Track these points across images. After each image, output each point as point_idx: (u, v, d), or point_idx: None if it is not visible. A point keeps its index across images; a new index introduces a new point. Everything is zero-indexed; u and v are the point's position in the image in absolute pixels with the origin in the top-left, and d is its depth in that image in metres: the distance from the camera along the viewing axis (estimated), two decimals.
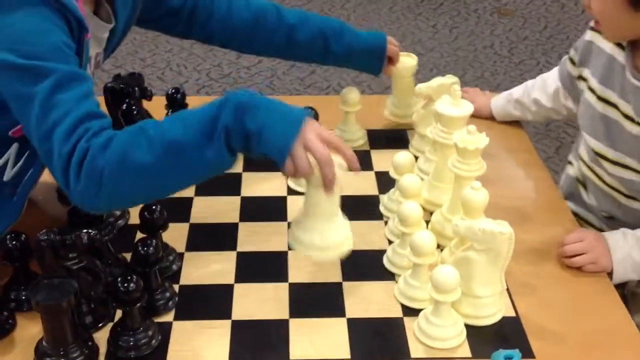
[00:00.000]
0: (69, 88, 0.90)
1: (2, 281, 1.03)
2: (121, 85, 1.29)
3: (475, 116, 1.37)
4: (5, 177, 1.05)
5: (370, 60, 1.38)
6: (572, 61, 1.32)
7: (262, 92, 2.96)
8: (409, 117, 1.41)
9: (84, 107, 0.90)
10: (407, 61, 1.44)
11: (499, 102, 1.48)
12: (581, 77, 1.28)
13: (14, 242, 1.00)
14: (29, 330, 0.98)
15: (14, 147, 1.04)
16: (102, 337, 0.97)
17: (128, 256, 1.04)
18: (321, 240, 0.95)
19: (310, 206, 0.95)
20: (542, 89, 1.41)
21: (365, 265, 1.11)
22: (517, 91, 1.46)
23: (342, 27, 1.34)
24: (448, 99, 1.20)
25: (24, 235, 1.01)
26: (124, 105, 1.23)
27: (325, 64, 1.42)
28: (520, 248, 1.02)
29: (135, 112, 1.23)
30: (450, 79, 1.32)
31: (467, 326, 0.99)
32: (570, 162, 1.40)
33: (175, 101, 1.36)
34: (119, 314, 0.98)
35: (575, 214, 1.33)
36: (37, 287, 0.90)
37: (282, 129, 0.88)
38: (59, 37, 0.92)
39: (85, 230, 0.97)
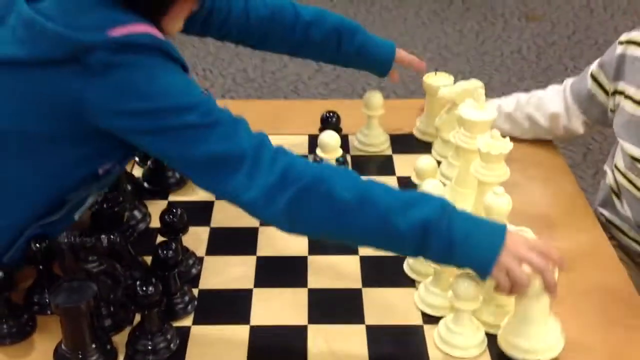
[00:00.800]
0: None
1: (26, 284, 1.03)
2: None
3: None
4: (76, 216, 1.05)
5: (378, 64, 1.36)
6: (594, 79, 1.29)
7: (287, 97, 2.98)
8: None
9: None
10: (442, 80, 1.39)
11: None
12: (617, 92, 1.25)
13: (37, 245, 1.00)
14: (50, 333, 0.99)
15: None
16: (121, 341, 0.97)
17: (148, 260, 1.04)
18: (537, 343, 0.92)
19: (524, 313, 0.92)
20: (538, 107, 1.36)
21: (385, 271, 1.10)
22: (507, 104, 1.40)
23: (357, 26, 1.33)
24: (471, 103, 1.18)
25: (47, 238, 1.01)
26: None
27: (335, 62, 1.40)
28: None
29: None
30: (474, 83, 1.30)
31: (488, 335, 0.97)
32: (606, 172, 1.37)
33: None
34: (138, 318, 0.98)
35: (610, 222, 1.30)
36: (57, 290, 0.90)
37: (488, 239, 0.86)
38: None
39: (105, 234, 0.98)
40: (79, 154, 0.95)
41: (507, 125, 1.38)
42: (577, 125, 1.34)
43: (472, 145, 1.14)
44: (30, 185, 0.97)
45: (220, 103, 1.56)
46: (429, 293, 1.02)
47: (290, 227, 0.91)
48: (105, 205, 1.05)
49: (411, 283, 1.08)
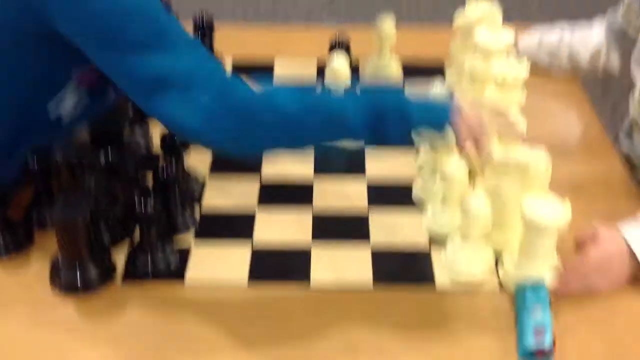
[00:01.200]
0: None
1: (26, 201, 1.01)
2: None
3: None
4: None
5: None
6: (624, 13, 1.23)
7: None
8: None
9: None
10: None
11: (529, 44, 1.35)
12: None
13: (34, 160, 0.98)
14: (48, 249, 0.96)
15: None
16: (122, 258, 0.95)
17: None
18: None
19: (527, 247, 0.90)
20: (581, 45, 1.31)
21: (393, 194, 1.07)
22: (549, 38, 1.34)
23: None
24: (486, 28, 1.13)
25: (45, 154, 0.98)
26: None
27: None
28: (556, 176, 0.95)
29: None
30: (490, 6, 1.24)
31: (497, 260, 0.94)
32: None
33: (202, 26, 1.32)
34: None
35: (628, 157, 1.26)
36: (55, 205, 0.88)
37: (439, 101, 0.92)
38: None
39: (103, 150, 0.95)
40: (45, 57, 0.90)
41: (547, 58, 1.33)
42: (615, 63, 1.28)
43: (487, 71, 1.10)
44: (6, 97, 0.94)
45: (230, 27, 1.52)
46: (438, 216, 0.99)
47: (238, 150, 0.90)
48: (103, 122, 1.02)
49: (420, 207, 1.04)
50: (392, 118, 0.86)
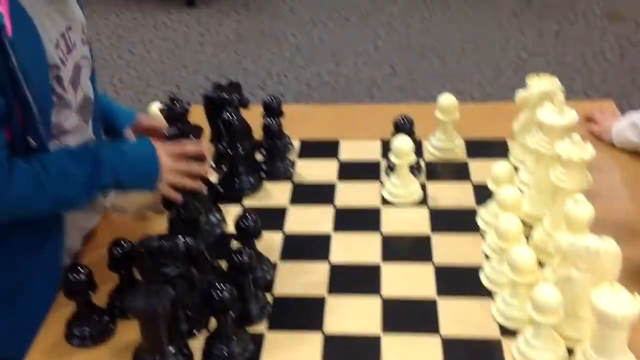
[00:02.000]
0: None
1: (108, 287, 1.06)
2: (219, 94, 1.31)
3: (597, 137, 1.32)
4: None
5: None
6: None
7: (361, 101, 2.98)
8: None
9: None
10: (545, 83, 1.28)
11: (620, 124, 1.36)
12: None
13: (119, 250, 1.03)
14: (129, 336, 1.01)
15: None
16: (197, 345, 0.99)
17: (224, 266, 1.05)
18: None
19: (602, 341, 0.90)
20: None
21: (461, 280, 1.08)
22: (638, 115, 1.34)
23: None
24: (550, 107, 1.15)
25: (129, 243, 1.04)
26: (225, 114, 1.25)
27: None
28: (628, 267, 0.95)
29: (235, 120, 1.25)
30: (553, 85, 1.26)
31: (570, 350, 0.94)
32: None
33: (272, 109, 1.37)
34: (214, 323, 0.99)
35: None
36: (135, 294, 0.93)
37: (145, 167, 1.09)
38: None
39: (182, 238, 1.00)
40: None
41: (635, 138, 1.32)
42: None
43: (551, 150, 1.11)
44: None
45: (294, 107, 1.58)
46: (507, 305, 0.99)
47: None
48: (182, 211, 1.07)
49: (488, 293, 1.05)
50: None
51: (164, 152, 1.10)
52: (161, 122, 1.21)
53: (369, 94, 3.04)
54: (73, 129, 1.12)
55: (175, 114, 1.14)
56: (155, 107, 1.33)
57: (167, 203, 1.12)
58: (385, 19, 3.66)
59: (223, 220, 1.20)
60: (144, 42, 3.53)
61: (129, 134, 1.27)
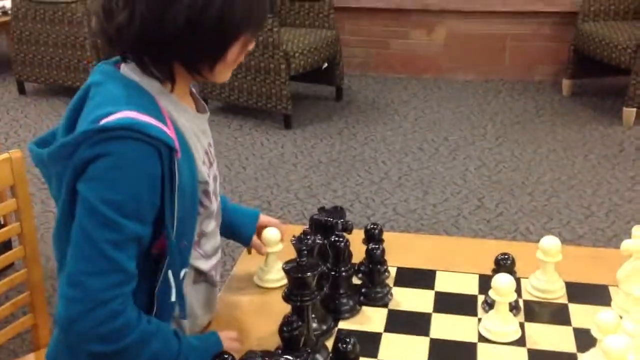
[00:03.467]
0: (124, 248, 1.00)
1: None
2: (325, 218, 1.37)
3: None
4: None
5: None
6: None
7: (447, 231, 2.99)
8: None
9: (130, 267, 1.02)
10: None
11: None
12: None
13: None
14: None
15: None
16: None
17: None
18: None
19: None
20: None
21: None
22: None
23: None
24: None
25: (231, 358, 1.06)
26: (333, 238, 1.30)
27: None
28: None
29: (342, 244, 1.30)
30: None
31: None
32: None
33: (374, 236, 1.41)
34: None
35: None
36: None
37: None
38: (144, 190, 1.00)
39: (285, 357, 1.01)
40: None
41: None
42: None
43: None
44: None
45: (392, 235, 1.60)
46: None
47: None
48: (285, 329, 1.09)
49: None
50: None
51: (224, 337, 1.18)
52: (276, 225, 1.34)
53: (455, 224, 3.05)
54: (210, 232, 1.21)
55: (305, 247, 1.21)
56: (271, 230, 1.41)
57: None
58: (475, 153, 3.73)
59: (323, 343, 1.21)
60: (240, 160, 3.70)
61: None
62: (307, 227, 1.40)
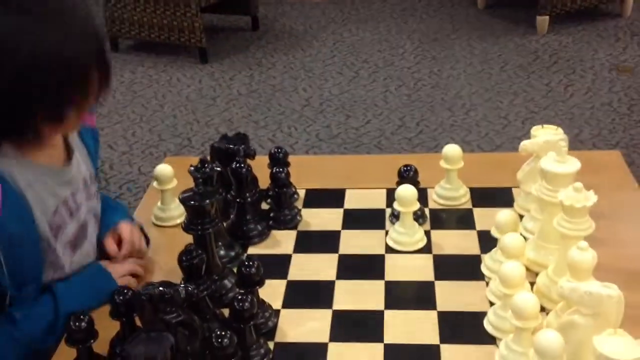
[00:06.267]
0: None
1: (109, 336, 1.06)
2: (226, 145, 1.34)
3: None
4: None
5: None
6: None
7: (370, 152, 3.00)
8: None
9: None
10: (549, 134, 1.29)
11: None
12: None
13: (120, 297, 1.03)
14: None
15: None
16: None
17: (226, 313, 1.05)
18: None
19: None
20: None
21: (465, 327, 1.07)
22: None
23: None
24: (553, 156, 1.15)
25: (130, 291, 1.04)
26: (234, 163, 1.27)
27: None
28: (631, 313, 0.94)
29: (243, 169, 1.27)
30: (557, 136, 1.27)
31: None
32: None
33: (278, 160, 1.39)
34: None
35: None
36: (135, 341, 0.92)
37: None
38: None
39: (183, 285, 1.00)
40: None
41: None
42: None
43: (554, 198, 1.11)
44: None
45: (301, 159, 1.59)
46: (511, 351, 0.98)
47: None
48: (184, 258, 1.07)
49: (492, 340, 1.04)
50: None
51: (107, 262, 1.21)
52: (137, 240, 1.26)
53: (378, 145, 3.07)
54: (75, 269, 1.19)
55: (203, 175, 1.17)
56: (163, 167, 1.36)
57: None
58: (395, 73, 3.72)
59: (226, 267, 1.20)
60: (157, 98, 3.60)
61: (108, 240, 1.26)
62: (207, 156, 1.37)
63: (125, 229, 1.25)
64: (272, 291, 1.15)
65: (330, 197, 1.42)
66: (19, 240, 1.06)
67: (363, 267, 1.22)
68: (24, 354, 1.10)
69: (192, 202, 1.10)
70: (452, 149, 1.35)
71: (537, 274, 1.13)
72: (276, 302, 1.14)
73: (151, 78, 3.81)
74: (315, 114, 3.36)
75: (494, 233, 1.17)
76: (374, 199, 1.40)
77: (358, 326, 1.09)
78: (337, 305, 1.14)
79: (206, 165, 1.22)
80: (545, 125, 1.37)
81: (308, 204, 1.41)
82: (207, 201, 1.10)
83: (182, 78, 3.80)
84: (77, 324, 0.99)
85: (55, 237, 1.14)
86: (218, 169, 1.22)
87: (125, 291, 1.04)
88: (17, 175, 1.08)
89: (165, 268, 1.23)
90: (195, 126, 3.31)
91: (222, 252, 1.22)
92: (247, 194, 1.29)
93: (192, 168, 1.22)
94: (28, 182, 1.10)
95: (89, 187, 1.22)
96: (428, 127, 3.18)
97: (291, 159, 1.41)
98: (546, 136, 1.28)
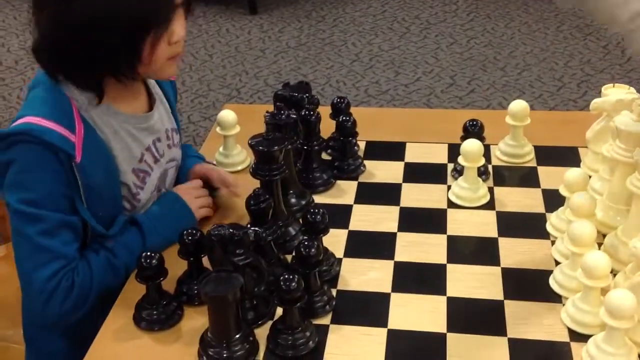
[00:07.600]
0: (56, 235, 1.06)
1: (177, 274, 1.08)
2: (291, 93, 1.33)
3: None
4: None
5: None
6: None
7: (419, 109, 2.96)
8: None
9: (68, 252, 1.08)
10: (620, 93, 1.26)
11: None
12: None
13: (189, 238, 1.05)
14: (196, 322, 1.03)
15: None
16: (261, 334, 1.00)
17: (289, 260, 1.06)
18: None
19: None
20: None
21: (529, 284, 1.06)
22: None
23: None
24: (628, 114, 1.12)
25: (199, 232, 1.06)
26: (304, 111, 1.28)
27: None
28: None
29: (312, 117, 1.28)
30: (630, 95, 1.24)
31: None
32: None
33: (341, 110, 1.38)
34: (278, 312, 1.00)
35: None
36: (206, 280, 0.94)
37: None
38: (55, 186, 1.06)
39: (252, 228, 1.01)
40: None
41: None
42: None
43: (629, 158, 1.08)
44: None
45: (362, 111, 1.57)
46: (578, 310, 0.97)
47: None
48: (252, 202, 1.08)
49: (557, 298, 1.03)
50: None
51: (184, 191, 1.23)
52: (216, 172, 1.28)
53: (427, 103, 3.03)
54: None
55: (282, 122, 1.18)
56: (227, 112, 1.36)
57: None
58: (447, 30, 3.65)
59: (292, 214, 1.20)
60: (206, 48, 3.60)
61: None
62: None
63: (204, 165, 1.31)
64: (334, 240, 1.16)
65: (390, 150, 1.41)
66: (99, 188, 1.10)
67: (425, 220, 1.22)
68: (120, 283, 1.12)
69: (261, 148, 1.10)
70: (519, 105, 1.33)
71: (603, 235, 1.12)
72: (338, 251, 1.15)
73: (200, 28, 3.80)
74: (364, 70, 3.32)
75: (562, 191, 1.15)
76: (435, 154, 1.39)
77: (420, 278, 1.09)
78: (398, 257, 1.14)
79: (282, 112, 1.21)
80: (616, 84, 1.33)
81: (368, 155, 1.40)
82: (276, 147, 1.10)
83: (231, 29, 3.78)
84: (148, 261, 1.01)
85: (139, 183, 1.17)
86: (294, 116, 1.21)
87: (194, 232, 1.05)
88: (103, 125, 1.11)
89: (231, 210, 1.24)
90: (243, 77, 3.31)
91: (293, 200, 1.22)
92: (315, 142, 1.29)
93: (268, 114, 1.22)
94: (114, 130, 1.12)
95: (171, 137, 1.24)
96: (480, 86, 3.13)
97: (353, 110, 1.40)
98: (618, 95, 1.24)
